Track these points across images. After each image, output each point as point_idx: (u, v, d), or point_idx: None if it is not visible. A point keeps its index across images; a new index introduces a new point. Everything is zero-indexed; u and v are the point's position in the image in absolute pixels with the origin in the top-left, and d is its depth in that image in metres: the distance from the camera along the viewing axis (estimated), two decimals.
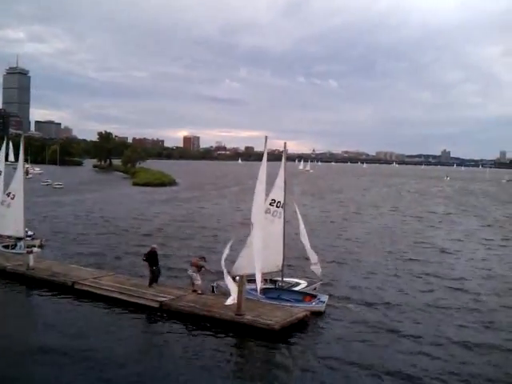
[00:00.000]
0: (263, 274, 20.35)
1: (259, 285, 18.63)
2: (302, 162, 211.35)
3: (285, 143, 22.40)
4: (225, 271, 18.16)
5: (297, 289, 20.55)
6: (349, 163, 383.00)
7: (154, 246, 21.00)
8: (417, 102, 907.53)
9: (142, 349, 15.26)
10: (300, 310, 17.63)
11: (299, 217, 21.36)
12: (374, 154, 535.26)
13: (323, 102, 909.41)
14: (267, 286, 19.40)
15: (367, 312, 19.08)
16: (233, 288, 17.63)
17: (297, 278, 22.00)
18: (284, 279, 20.96)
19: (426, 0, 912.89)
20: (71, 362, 13.81)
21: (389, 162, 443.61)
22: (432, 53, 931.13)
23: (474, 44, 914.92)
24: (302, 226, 21.34)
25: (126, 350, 14.85)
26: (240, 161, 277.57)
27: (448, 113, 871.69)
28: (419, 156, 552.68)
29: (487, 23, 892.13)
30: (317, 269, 21.08)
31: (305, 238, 21.23)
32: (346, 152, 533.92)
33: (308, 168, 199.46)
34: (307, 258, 21.58)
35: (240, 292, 16.69)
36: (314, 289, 20.77)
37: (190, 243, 32.02)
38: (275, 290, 19.93)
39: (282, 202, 20.71)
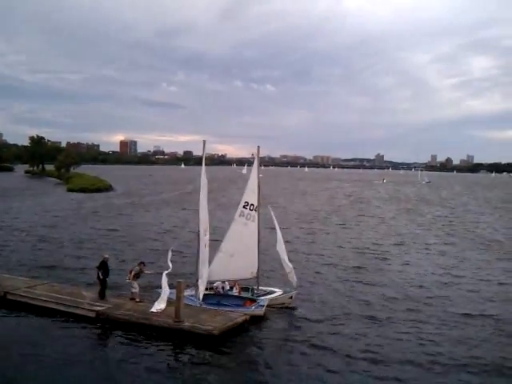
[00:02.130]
0: (237, 281, 20.69)
1: (202, 291, 18.66)
2: (245, 167, 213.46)
3: (258, 147, 22.27)
4: (163, 278, 18.03)
5: (274, 296, 20.45)
6: (289, 167, 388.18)
7: (106, 255, 20.08)
8: (352, 107, 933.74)
9: (76, 360, 14.80)
10: (239, 314, 17.76)
11: (275, 222, 21.26)
12: (311, 158, 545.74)
13: (261, 106, 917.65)
14: (207, 292, 19.39)
15: (307, 318, 19.29)
16: (163, 296, 17.63)
17: (272, 286, 21.73)
18: (260, 287, 20.94)
19: (361, 8, 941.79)
20: None
21: (326, 166, 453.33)
22: (366, 59, 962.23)
23: (406, 51, 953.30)
24: (278, 231, 21.21)
25: (58, 363, 14.45)
26: (183, 165, 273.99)
27: (381, 117, 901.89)
28: (354, 160, 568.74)
29: (418, 31, 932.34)
30: (292, 277, 20.94)
31: (281, 245, 21.05)
32: (285, 156, 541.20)
33: (244, 171, 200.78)
34: (283, 266, 21.33)
35: (178, 299, 16.64)
36: (290, 297, 20.70)
37: (127, 250, 31.39)
38: (215, 295, 19.96)
39: (255, 206, 20.71)
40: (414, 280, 25.69)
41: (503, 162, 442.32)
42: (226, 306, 18.95)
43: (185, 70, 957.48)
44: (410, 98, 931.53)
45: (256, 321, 18.11)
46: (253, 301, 19.48)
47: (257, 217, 20.78)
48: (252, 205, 20.74)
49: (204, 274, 18.51)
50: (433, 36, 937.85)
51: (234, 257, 20.48)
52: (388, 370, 14.43)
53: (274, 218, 21.29)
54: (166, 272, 18.06)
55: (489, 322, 19.00)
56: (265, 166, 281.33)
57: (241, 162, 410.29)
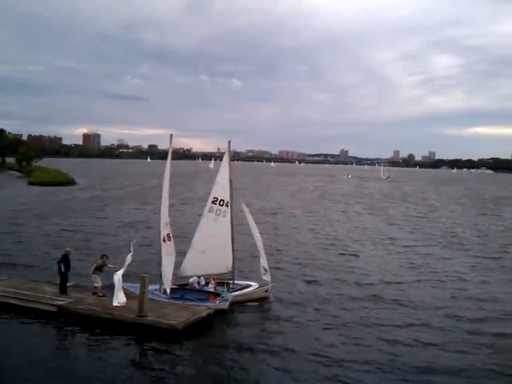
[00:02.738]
0: (212, 276, 20.61)
1: (168, 285, 18.61)
2: (212, 161, 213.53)
3: (229, 142, 22.10)
4: (120, 272, 17.92)
5: (249, 290, 20.52)
6: (255, 162, 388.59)
7: (68, 249, 19.71)
8: (317, 103, 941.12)
9: (37, 356, 14.55)
10: (204, 308, 17.77)
11: (249, 217, 21.23)
12: (276, 153, 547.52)
13: (227, 101, 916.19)
14: (172, 286, 19.32)
15: (273, 313, 19.46)
16: (117, 288, 17.53)
17: (248, 280, 21.72)
18: (236, 282, 20.93)
19: (326, 5, 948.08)
20: None
21: (291, 161, 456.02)
22: (331, 56, 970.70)
23: (371, 48, 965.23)
24: (252, 226, 21.20)
25: (18, 359, 14.16)
26: (149, 159, 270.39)
27: (346, 114, 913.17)
28: (319, 155, 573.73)
29: (383, 29, 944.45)
30: (267, 272, 20.97)
31: (258, 240, 21.10)
32: (251, 151, 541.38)
33: (211, 166, 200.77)
34: (258, 260, 21.33)
35: (142, 293, 16.53)
36: (266, 291, 20.79)
37: (90, 244, 30.90)
38: (179, 289, 19.90)
39: (226, 201, 20.63)
40: (377, 276, 25.79)
41: (464, 158, 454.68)
42: (190, 300, 18.93)
43: (150, 63, 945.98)
44: (374, 94, 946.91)
45: (221, 315, 18.12)
46: (217, 295, 19.54)
47: (229, 212, 20.76)
48: (222, 200, 20.71)
49: (167, 268, 18.44)
50: (397, 34, 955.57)
51: (205, 253, 20.43)
52: (347, 370, 14.30)
53: (247, 213, 21.33)
54: (125, 264, 17.92)
55: (451, 322, 18.81)
56: (231, 160, 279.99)
57: (206, 156, 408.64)
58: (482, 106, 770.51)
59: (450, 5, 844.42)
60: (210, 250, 20.41)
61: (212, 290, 20.25)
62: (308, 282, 23.91)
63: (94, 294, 18.71)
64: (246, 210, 21.45)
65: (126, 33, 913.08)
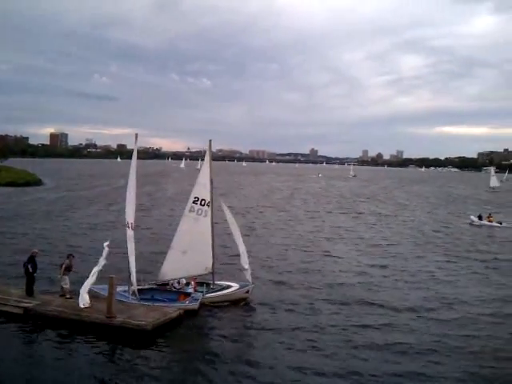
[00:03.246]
0: (192, 276, 20.48)
1: (135, 286, 18.50)
2: (183, 161, 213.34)
3: (210, 141, 22.07)
4: (93, 272, 17.77)
5: (228, 291, 20.44)
6: (227, 161, 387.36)
7: (35, 250, 19.42)
8: (287, 103, 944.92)
9: (3, 359, 14.28)
10: (173, 309, 17.74)
11: (229, 217, 21.13)
12: (247, 153, 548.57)
13: (197, 100, 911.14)
14: (140, 287, 19.20)
15: (245, 313, 19.43)
16: (83, 289, 17.40)
17: (230, 280, 21.63)
18: (216, 282, 20.84)
19: (295, 5, 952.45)
20: None
21: (262, 160, 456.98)
22: (300, 56, 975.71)
23: (339, 49, 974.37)
24: (233, 226, 21.09)
25: None
26: (119, 159, 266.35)
27: (315, 114, 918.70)
28: (289, 154, 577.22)
29: (352, 30, 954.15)
30: (248, 272, 20.94)
31: (238, 240, 21.02)
32: (221, 150, 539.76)
33: (182, 166, 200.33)
34: (239, 260, 21.23)
35: (110, 294, 16.41)
36: (247, 291, 20.69)
37: (57, 246, 30.33)
38: (148, 290, 19.77)
39: (207, 201, 20.54)
40: (348, 276, 25.86)
41: (431, 157, 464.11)
42: (159, 300, 18.86)
43: (118, 61, 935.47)
44: (344, 94, 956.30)
45: (191, 315, 18.13)
46: (187, 295, 19.51)
47: (210, 212, 20.70)
48: (203, 200, 20.64)
49: (132, 268, 18.33)
50: (365, 35, 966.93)
51: (186, 253, 20.33)
52: (314, 375, 14.23)
53: (227, 212, 21.24)
54: (97, 267, 17.75)
55: (420, 323, 18.81)
56: (202, 159, 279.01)
57: (176, 155, 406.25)
58: (449, 106, 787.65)
59: (417, 5, 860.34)
60: (190, 250, 20.31)
61: (192, 290, 20.14)
62: (281, 284, 23.79)
63: (62, 295, 18.47)
64: (225, 209, 21.34)
65: (95, 31, 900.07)
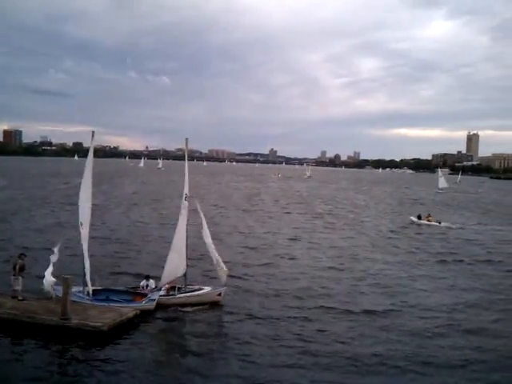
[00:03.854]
0: (174, 280, 20.17)
1: (89, 287, 18.25)
2: (142, 160, 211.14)
3: (186, 139, 22.26)
4: (47, 272, 17.46)
5: (200, 293, 20.22)
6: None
7: None
8: (247, 103, 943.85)
9: None
10: (129, 309, 17.60)
11: (202, 215, 20.90)
12: (206, 152, 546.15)
13: (156, 98, 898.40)
14: (95, 288, 18.95)
15: (203, 314, 19.28)
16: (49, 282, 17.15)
17: (199, 283, 21.41)
18: (188, 285, 20.59)
19: (256, 5, 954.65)
20: None
21: (221, 160, 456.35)
22: (261, 56, 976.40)
23: (299, 49, 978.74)
24: (205, 225, 20.84)
25: None
26: (77, 157, 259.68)
27: (275, 114, 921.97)
28: (249, 154, 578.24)
29: (312, 31, 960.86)
30: (222, 274, 20.76)
31: (208, 240, 20.74)
32: (180, 149, 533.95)
33: (142, 165, 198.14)
34: (211, 261, 21.04)
35: (65, 295, 16.16)
36: (219, 294, 20.49)
37: (8, 248, 29.55)
38: (103, 291, 19.52)
39: (187, 195, 20.36)
40: (307, 277, 25.84)
41: (387, 158, 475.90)
42: (115, 301, 18.65)
43: (75, 57, 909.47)
44: (302, 95, 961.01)
45: (148, 316, 18.05)
46: (143, 295, 19.37)
47: (187, 206, 20.49)
48: (186, 194, 20.52)
49: (87, 268, 18.09)
50: (324, 36, 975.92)
51: (181, 253, 20.23)
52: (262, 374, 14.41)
53: (200, 211, 21.06)
54: (50, 264, 17.50)
55: (372, 318, 19.21)
56: (166, 159, 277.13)
57: (134, 154, 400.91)
58: (404, 109, 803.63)
59: (375, 9, 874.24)
60: (181, 249, 20.22)
61: (164, 292, 19.96)
62: (239, 287, 23.41)
63: (14, 297, 18.01)
64: (199, 208, 21.12)
65: (50, 25, 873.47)
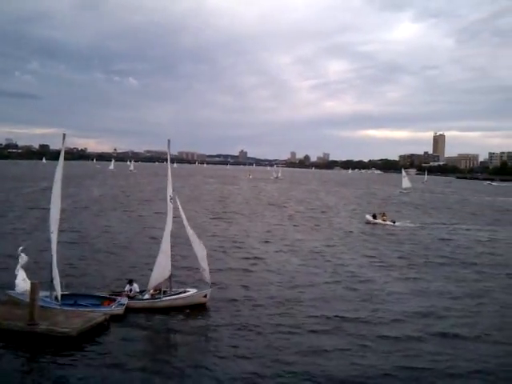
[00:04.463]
0: (162, 281, 19.92)
1: (57, 292, 17.97)
2: (112, 162, 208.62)
3: (168, 140, 22.32)
4: (18, 275, 17.18)
5: (185, 295, 20.12)
6: (156, 163, 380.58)
7: None
8: (217, 104, 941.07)
9: None
10: (99, 314, 17.42)
11: (183, 216, 20.74)
12: (176, 154, 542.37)
13: (124, 100, 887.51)
14: (63, 293, 18.67)
15: (172, 317, 19.14)
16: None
17: (185, 286, 21.32)
18: (173, 288, 20.44)
19: (226, 7, 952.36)
20: None
21: (191, 162, 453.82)
22: (230, 58, 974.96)
23: (268, 52, 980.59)
24: (188, 227, 20.68)
25: None
26: (44, 160, 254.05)
27: (245, 115, 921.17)
28: (219, 156, 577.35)
29: (280, 33, 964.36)
30: (206, 275, 20.68)
31: (194, 241, 20.68)
32: (149, 151, 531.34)
33: (112, 167, 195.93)
34: (195, 262, 20.93)
35: (32, 300, 15.90)
36: (205, 296, 20.39)
37: None
38: (72, 295, 19.25)
39: (171, 196, 20.23)
40: (279, 278, 25.92)
41: (355, 159, 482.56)
42: (83, 306, 18.45)
43: (41, 59, 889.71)
44: (272, 97, 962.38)
45: (117, 320, 17.89)
46: (112, 300, 19.19)
47: (171, 207, 20.37)
48: (170, 195, 20.39)
49: (55, 272, 17.83)
50: (293, 39, 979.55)
51: (167, 255, 20.16)
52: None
53: (182, 213, 20.87)
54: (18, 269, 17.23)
55: (346, 325, 19.03)
56: (135, 161, 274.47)
57: (102, 156, 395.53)
58: (372, 110, 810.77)
59: (343, 12, 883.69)
60: (167, 251, 20.20)
61: (148, 296, 19.86)
62: (216, 290, 22.88)
63: None
64: (181, 209, 20.95)
65: (15, 26, 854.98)
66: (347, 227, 47.87)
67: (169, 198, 20.38)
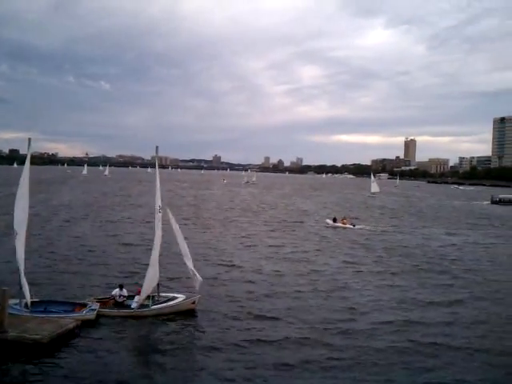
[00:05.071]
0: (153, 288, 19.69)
1: (27, 299, 17.69)
2: (85, 167, 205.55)
3: (157, 147, 22.24)
4: None
5: (174, 303, 19.94)
6: (130, 168, 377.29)
7: None
8: (190, 109, 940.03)
9: None
10: (70, 320, 17.20)
11: (173, 222, 20.61)
12: (149, 158, 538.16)
13: (96, 104, 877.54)
14: (33, 300, 18.36)
15: (145, 322, 19.00)
16: None
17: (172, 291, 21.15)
18: (161, 294, 20.24)
19: (198, 11, 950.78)
20: None
21: (165, 167, 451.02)
22: (203, 62, 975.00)
23: (242, 56, 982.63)
24: (178, 233, 20.58)
25: None
26: (15, 165, 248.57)
27: (219, 120, 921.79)
28: (192, 161, 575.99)
29: (253, 38, 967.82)
30: (196, 281, 20.47)
31: (184, 248, 20.57)
32: (121, 156, 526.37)
33: (85, 172, 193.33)
34: (184, 269, 20.73)
35: (2, 308, 15.59)
36: (193, 302, 20.19)
37: None
38: (42, 302, 18.96)
39: (160, 206, 20.04)
40: (257, 286, 25.52)
41: (328, 164, 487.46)
42: (54, 312, 18.19)
43: (10, 62, 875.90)
44: (245, 102, 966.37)
45: (89, 326, 17.67)
46: (83, 305, 18.97)
47: (160, 217, 20.25)
48: (159, 206, 20.22)
49: (23, 279, 17.53)
50: (267, 44, 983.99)
51: (156, 264, 20.00)
52: None
53: (172, 218, 20.75)
54: None
55: (323, 332, 18.78)
56: (103, 165, 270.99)
57: (73, 161, 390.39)
58: (344, 115, 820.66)
59: (317, 17, 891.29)
60: (157, 259, 20.02)
61: (136, 303, 19.56)
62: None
63: None
64: (170, 215, 20.86)
65: None
66: (321, 232, 48.07)
67: (157, 208, 20.22)
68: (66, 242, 36.00)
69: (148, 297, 19.90)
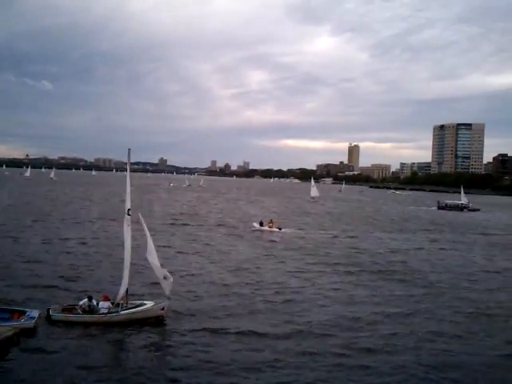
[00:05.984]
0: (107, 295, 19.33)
1: None
2: (29, 169, 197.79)
3: (129, 150, 22.47)
4: None
5: (142, 308, 19.37)
6: (74, 170, 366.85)
7: None
8: (136, 111, 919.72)
9: None
10: (7, 328, 16.41)
11: (145, 228, 20.11)
12: (92, 161, 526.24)
13: (37, 104, 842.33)
14: None
15: (85, 330, 18.36)
16: None
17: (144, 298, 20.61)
18: (130, 301, 19.61)
19: (145, 12, 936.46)
20: None
21: (109, 169, 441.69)
22: (150, 64, 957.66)
23: (189, 59, 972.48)
24: (149, 238, 20.05)
25: None
26: None
27: (165, 123, 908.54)
28: (137, 163, 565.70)
29: (201, 41, 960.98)
30: (166, 286, 19.93)
31: (152, 253, 19.96)
32: (63, 158, 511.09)
33: (28, 174, 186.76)
34: (153, 275, 20.26)
35: None
36: (163, 308, 19.63)
37: None
38: None
39: (130, 209, 19.65)
40: (203, 293, 25.03)
41: (275, 168, 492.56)
42: None
43: None
44: (193, 105, 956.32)
45: (28, 335, 16.97)
46: (22, 313, 18.20)
47: (129, 220, 19.87)
48: (129, 209, 19.83)
49: None
50: (214, 47, 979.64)
51: (127, 268, 19.54)
52: None
53: (144, 224, 20.29)
54: None
55: (274, 340, 18.52)
56: (49, 168, 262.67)
57: (13, 162, 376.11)
58: (290, 120, 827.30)
59: (264, 23, 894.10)
60: (127, 264, 19.58)
61: (105, 310, 19.04)
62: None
63: None
64: (143, 221, 20.43)
65: None
66: (267, 236, 48.19)
67: (126, 210, 19.91)
68: (4, 247, 34.57)
69: (117, 304, 19.43)
